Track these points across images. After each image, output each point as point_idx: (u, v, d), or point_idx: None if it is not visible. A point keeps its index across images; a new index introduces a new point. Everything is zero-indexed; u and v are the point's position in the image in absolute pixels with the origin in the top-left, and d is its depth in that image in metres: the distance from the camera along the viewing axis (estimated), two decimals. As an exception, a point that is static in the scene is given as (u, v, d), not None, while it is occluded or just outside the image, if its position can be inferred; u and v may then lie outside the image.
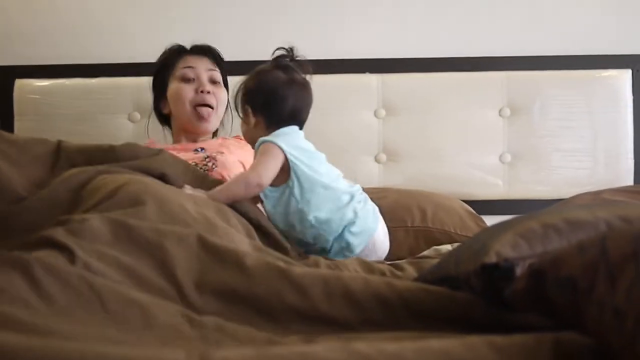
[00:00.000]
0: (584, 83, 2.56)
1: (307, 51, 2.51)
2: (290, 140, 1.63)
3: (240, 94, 1.73)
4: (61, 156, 1.52)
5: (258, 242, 1.17)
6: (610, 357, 0.63)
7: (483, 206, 2.44)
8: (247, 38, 2.60)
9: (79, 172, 1.32)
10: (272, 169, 1.57)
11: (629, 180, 2.54)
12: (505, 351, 0.63)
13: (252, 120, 1.70)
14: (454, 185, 2.45)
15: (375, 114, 2.51)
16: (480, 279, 0.91)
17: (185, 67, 2.06)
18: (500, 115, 2.52)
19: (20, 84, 2.53)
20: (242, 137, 2.08)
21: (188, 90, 2.04)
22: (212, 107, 2.05)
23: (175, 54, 2.12)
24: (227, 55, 2.37)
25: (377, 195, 2.08)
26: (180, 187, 1.44)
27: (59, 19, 2.62)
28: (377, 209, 1.73)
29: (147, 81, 2.47)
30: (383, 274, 1.27)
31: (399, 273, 1.29)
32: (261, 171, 1.56)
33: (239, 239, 1.14)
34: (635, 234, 0.65)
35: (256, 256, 0.95)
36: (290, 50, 1.76)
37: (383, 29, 2.61)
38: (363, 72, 2.54)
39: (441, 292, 0.92)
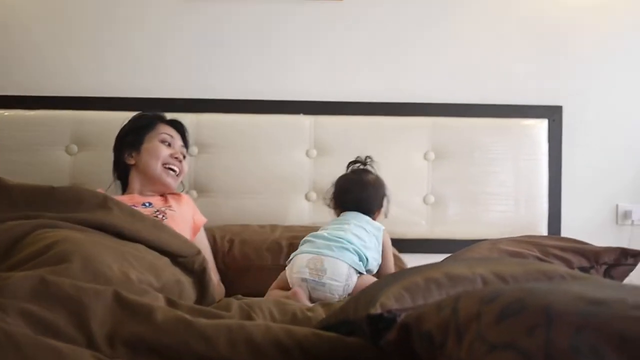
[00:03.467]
0: (506, 131, 2.72)
1: (243, 91, 2.66)
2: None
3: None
4: (1, 194, 1.57)
5: (173, 298, 1.25)
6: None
7: (407, 244, 2.57)
8: (183, 76, 2.70)
9: (18, 225, 1.40)
10: None
11: (543, 223, 2.70)
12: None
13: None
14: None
15: (307, 154, 2.62)
16: (368, 327, 1.01)
17: (166, 133, 2.30)
18: (425, 158, 2.66)
19: (-43, 113, 2.56)
20: (180, 195, 2.32)
21: (165, 151, 2.26)
22: (176, 173, 2.27)
23: (156, 119, 2.36)
24: (160, 92, 2.49)
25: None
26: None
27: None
28: None
29: (86, 115, 2.55)
30: (294, 315, 1.37)
31: (309, 314, 1.39)
32: None
33: (153, 295, 1.23)
34: (481, 297, 0.77)
35: (166, 310, 1.04)
36: (364, 157, 2.33)
37: (319, 73, 2.74)
38: (297, 113, 2.65)
39: (334, 337, 1.03)
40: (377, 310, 0.99)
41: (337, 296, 1.85)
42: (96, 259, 1.25)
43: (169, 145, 2.28)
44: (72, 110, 2.58)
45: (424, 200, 2.66)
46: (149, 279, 1.33)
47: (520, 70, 2.79)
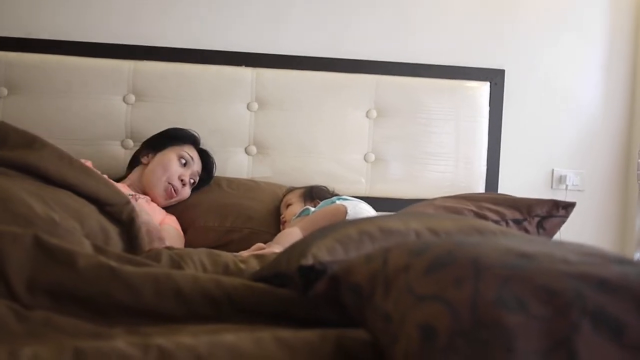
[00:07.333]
0: (448, 92, 2.72)
1: (186, 40, 2.59)
2: None
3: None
4: None
5: (99, 244, 1.20)
6: (380, 353, 0.74)
7: (346, 202, 2.57)
8: (120, 22, 2.60)
9: None
10: None
11: (481, 184, 2.74)
12: (290, 344, 0.72)
13: None
14: (319, 180, 2.52)
15: (248, 107, 2.57)
16: (300, 279, 1.00)
17: (189, 155, 2.30)
18: (367, 116, 2.64)
19: None
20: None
21: (176, 169, 2.26)
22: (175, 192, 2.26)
23: (190, 139, 2.37)
24: (98, 37, 2.40)
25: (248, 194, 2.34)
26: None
27: None
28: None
29: (13, 57, 2.45)
30: (226, 266, 1.35)
31: (242, 266, 1.37)
32: None
33: (78, 239, 1.18)
34: (411, 249, 0.76)
35: (89, 256, 0.99)
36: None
37: (262, 24, 2.67)
38: (239, 65, 2.59)
39: (264, 289, 1.01)
40: (308, 261, 0.98)
41: None
42: (15, 199, 1.18)
43: (185, 165, 2.28)
44: (3, 52, 2.46)
45: (365, 158, 2.65)
46: (72, 225, 1.28)
47: (465, 32, 2.79)
